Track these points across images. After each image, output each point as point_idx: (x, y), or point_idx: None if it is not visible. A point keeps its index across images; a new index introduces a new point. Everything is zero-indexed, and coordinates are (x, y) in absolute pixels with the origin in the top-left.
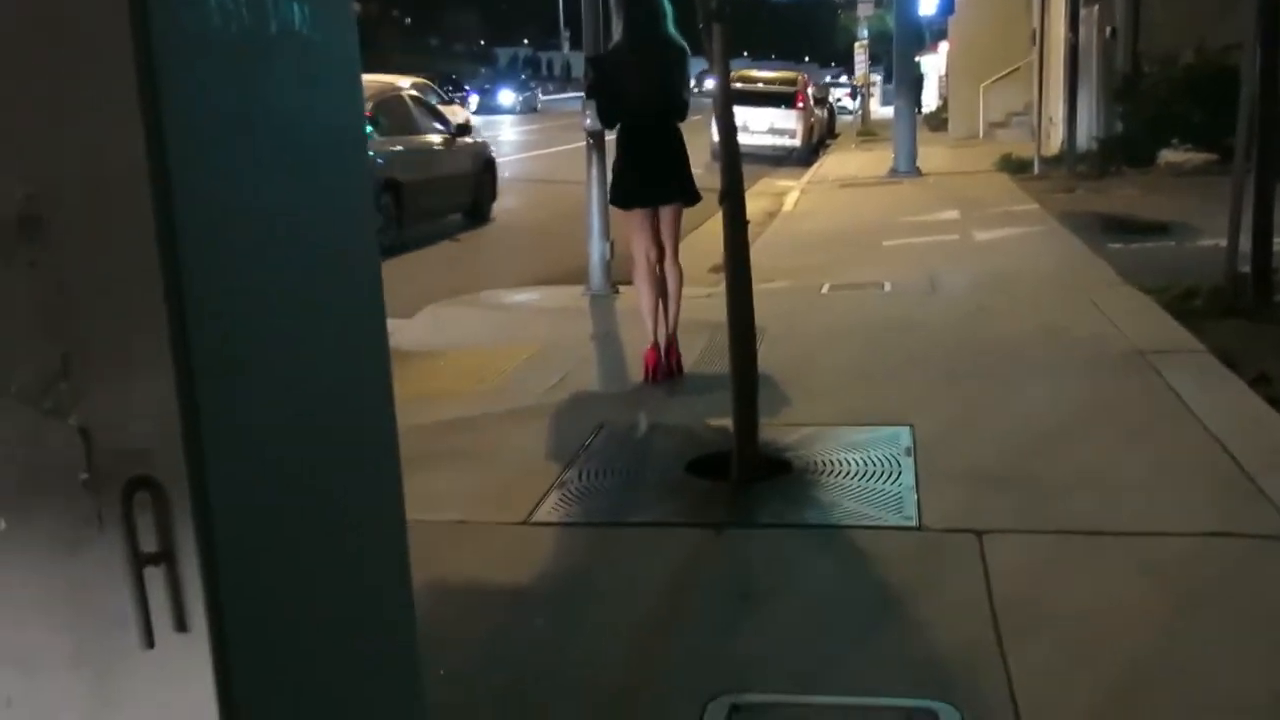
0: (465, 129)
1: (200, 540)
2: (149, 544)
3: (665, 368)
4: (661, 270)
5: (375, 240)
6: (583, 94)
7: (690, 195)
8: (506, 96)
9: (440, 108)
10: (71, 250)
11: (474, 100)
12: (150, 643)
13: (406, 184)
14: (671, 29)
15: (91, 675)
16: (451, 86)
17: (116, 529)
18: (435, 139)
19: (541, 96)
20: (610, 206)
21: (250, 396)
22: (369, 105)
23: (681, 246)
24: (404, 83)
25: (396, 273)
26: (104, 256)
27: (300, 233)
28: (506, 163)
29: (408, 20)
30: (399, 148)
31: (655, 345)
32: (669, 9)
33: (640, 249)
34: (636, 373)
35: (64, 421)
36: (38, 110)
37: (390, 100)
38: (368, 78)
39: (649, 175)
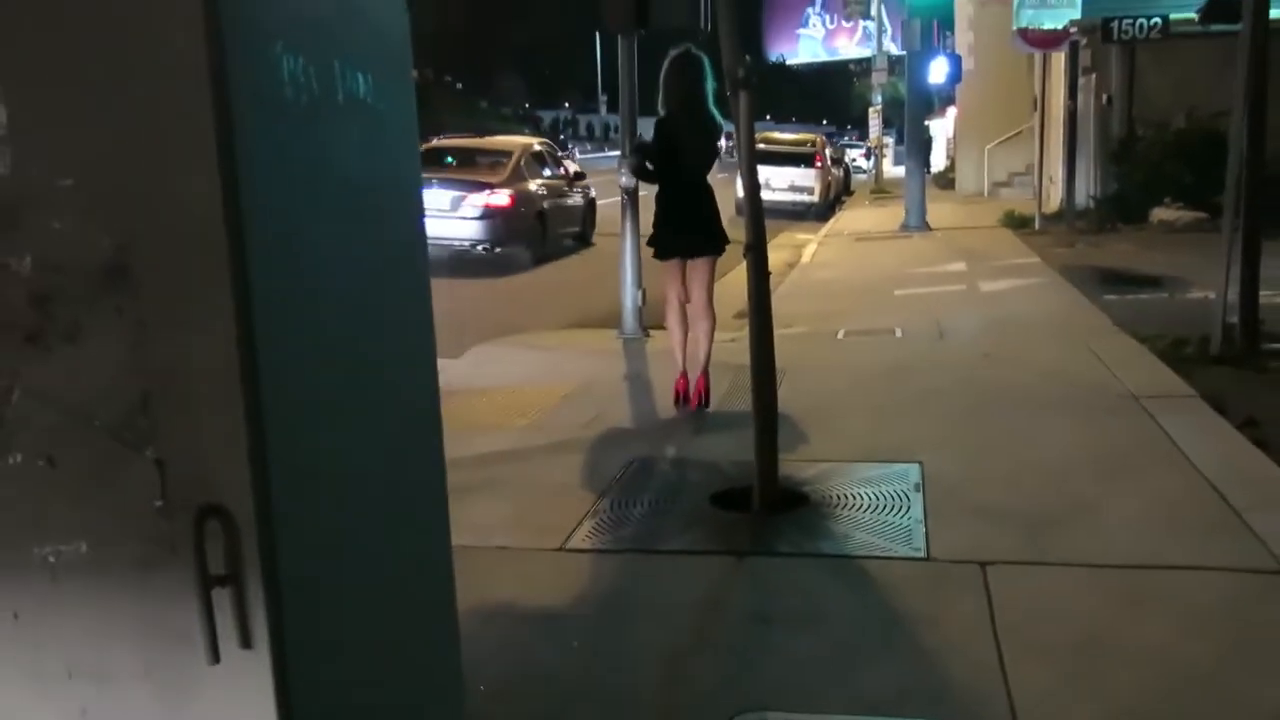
0: (580, 175)
1: (265, 564)
2: (217, 566)
3: (694, 397)
4: (685, 311)
5: (429, 288)
6: (617, 154)
7: (719, 249)
8: None
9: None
10: (153, 296)
11: None
12: (216, 658)
13: (549, 212)
14: (712, 107)
15: (161, 689)
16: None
17: (187, 552)
18: (560, 182)
19: (577, 155)
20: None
21: (312, 432)
22: (521, 157)
23: (709, 322)
24: (536, 143)
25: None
26: (182, 302)
27: (362, 281)
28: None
29: (459, 85)
30: (544, 189)
31: (683, 374)
32: (711, 89)
33: (672, 292)
34: (666, 410)
35: (142, 453)
36: (127, 170)
37: (532, 154)
38: (517, 139)
39: (682, 231)
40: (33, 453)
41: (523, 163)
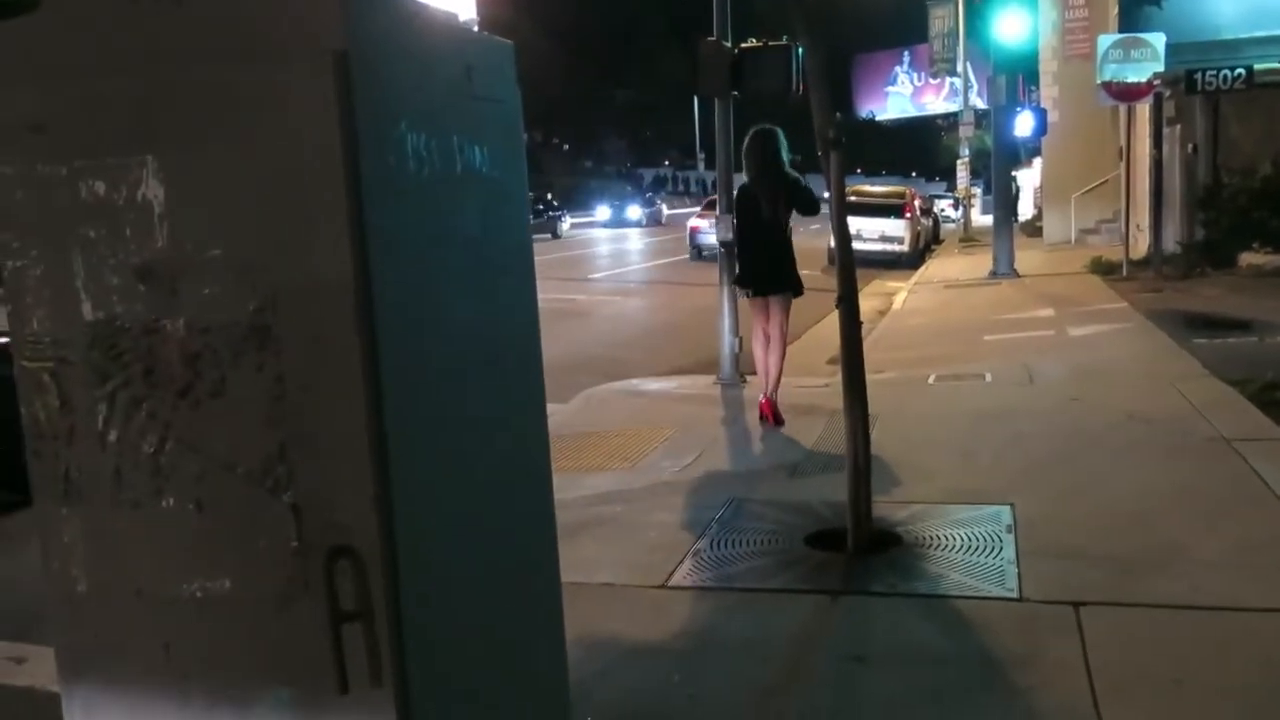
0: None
1: (391, 602)
2: (348, 603)
3: (760, 410)
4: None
5: (539, 340)
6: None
7: (794, 289)
8: (634, 211)
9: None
10: (290, 353)
11: (603, 212)
12: (345, 689)
13: None
14: (786, 166)
15: (295, 718)
16: (543, 205)
17: (320, 590)
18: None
19: (666, 210)
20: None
21: (434, 477)
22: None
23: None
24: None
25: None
26: (316, 359)
27: (479, 336)
28: (632, 271)
29: (565, 147)
30: None
31: (767, 396)
32: (784, 149)
33: (758, 326)
34: (762, 453)
35: (280, 498)
36: (268, 240)
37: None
38: None
39: (761, 273)
40: (183, 498)
41: None
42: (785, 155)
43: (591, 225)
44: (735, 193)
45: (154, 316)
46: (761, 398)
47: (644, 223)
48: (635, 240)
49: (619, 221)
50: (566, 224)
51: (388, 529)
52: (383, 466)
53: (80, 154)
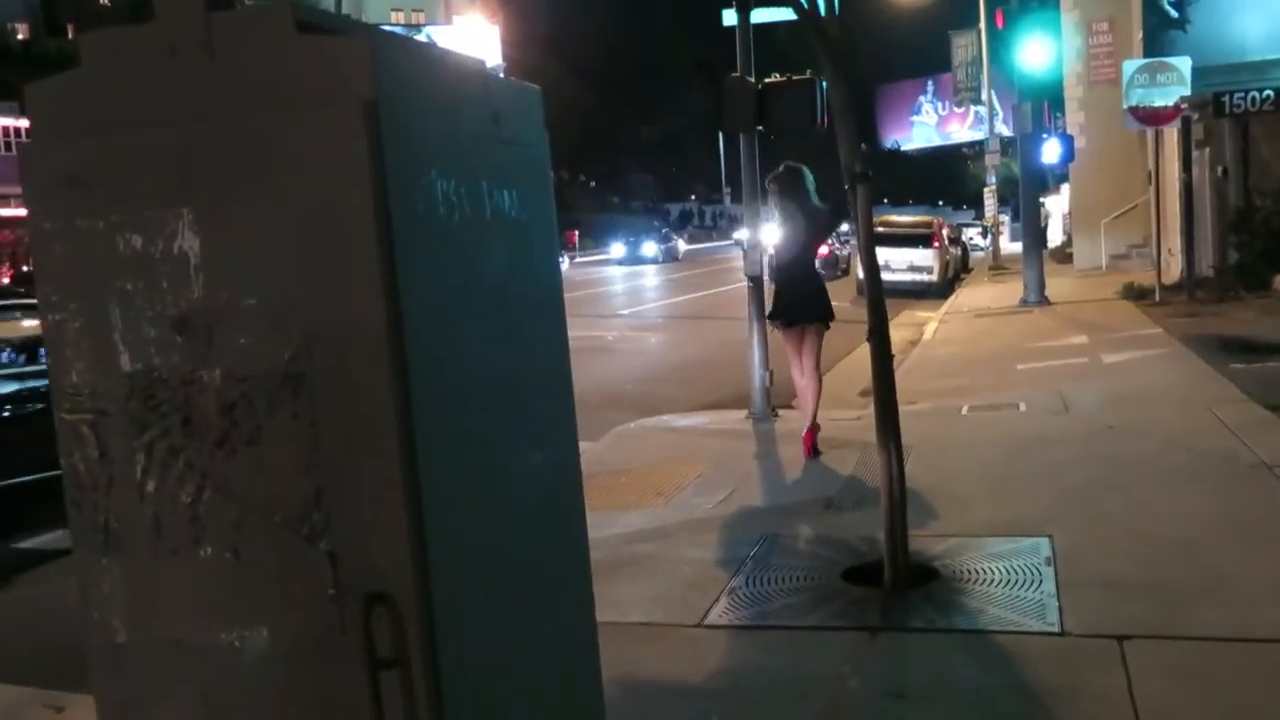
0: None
1: (428, 648)
2: (385, 650)
3: (804, 443)
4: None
5: (570, 379)
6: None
7: (826, 319)
8: (649, 248)
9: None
10: (324, 400)
11: (618, 249)
12: None
13: None
14: (814, 198)
15: None
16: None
17: (357, 636)
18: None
19: (683, 246)
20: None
21: (468, 522)
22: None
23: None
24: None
25: None
26: (351, 405)
27: (511, 377)
28: (655, 308)
29: (592, 184)
30: None
31: (810, 428)
32: (810, 182)
33: (794, 357)
34: (796, 488)
35: (316, 545)
36: (302, 288)
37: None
38: None
39: (793, 304)
40: (220, 546)
41: None
42: (812, 188)
43: (606, 263)
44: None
45: (191, 367)
46: (807, 428)
47: (660, 259)
48: (651, 277)
49: (635, 259)
50: (565, 264)
51: (423, 574)
52: (417, 511)
53: (118, 208)
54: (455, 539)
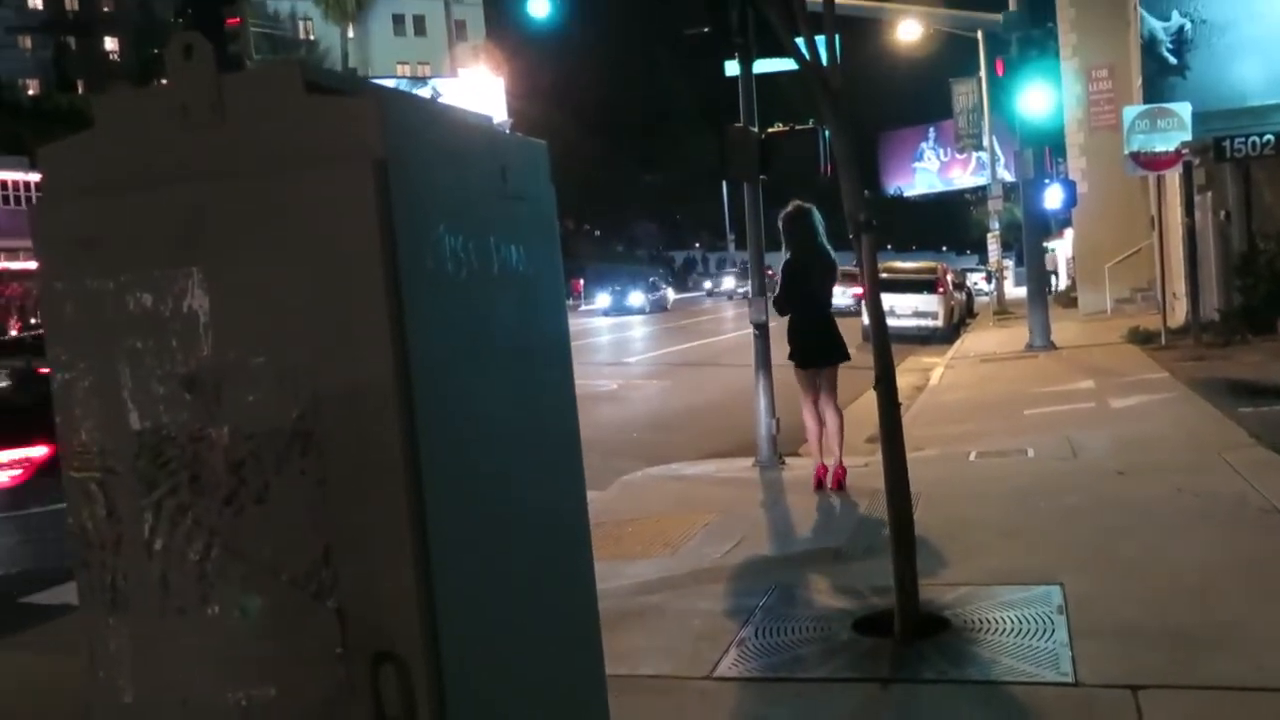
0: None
1: (435, 707)
2: (393, 709)
3: (833, 481)
4: (819, 410)
5: (578, 430)
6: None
7: (842, 358)
8: (636, 298)
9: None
10: (333, 457)
11: (603, 300)
12: None
13: None
14: (824, 242)
15: None
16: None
17: (365, 696)
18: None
19: (672, 295)
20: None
21: (477, 578)
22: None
23: (838, 420)
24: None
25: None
26: (359, 462)
27: (519, 430)
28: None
29: (597, 233)
30: None
31: (821, 464)
32: (821, 227)
33: (806, 398)
34: (805, 537)
35: (324, 604)
36: (310, 345)
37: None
38: None
39: (810, 346)
40: (228, 605)
41: None
42: (821, 228)
43: (591, 314)
44: (781, 269)
45: (199, 425)
46: (818, 465)
47: (647, 309)
48: (636, 328)
49: (620, 308)
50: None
51: (431, 633)
52: (425, 569)
53: (128, 267)
54: (463, 596)
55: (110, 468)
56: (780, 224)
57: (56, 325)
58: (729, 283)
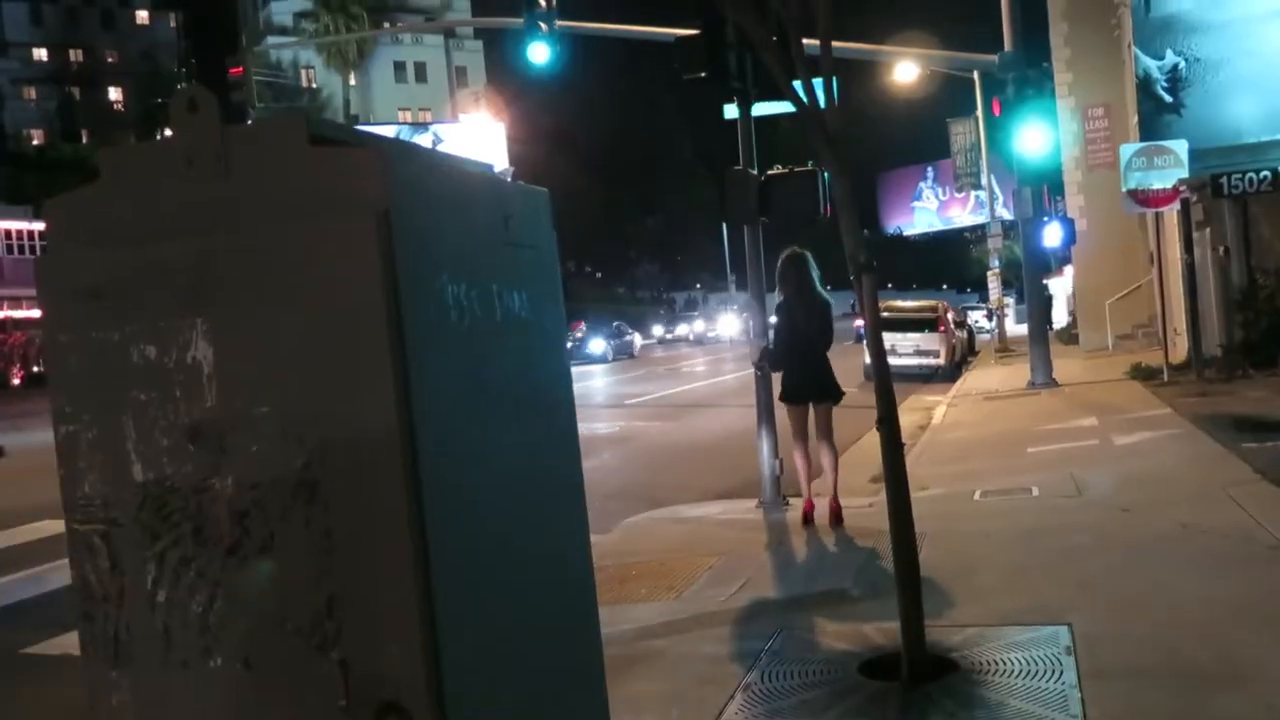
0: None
1: None
2: None
3: (829, 516)
4: (812, 449)
5: (581, 475)
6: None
7: (834, 396)
8: (597, 345)
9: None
10: (337, 506)
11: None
12: None
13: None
14: (817, 287)
15: None
16: None
17: None
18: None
19: (639, 341)
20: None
21: (482, 628)
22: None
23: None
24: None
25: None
26: (363, 512)
27: (522, 476)
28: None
29: (598, 275)
30: None
31: (809, 500)
32: (815, 272)
33: (797, 432)
34: (810, 578)
35: (328, 655)
36: (314, 394)
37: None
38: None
39: (802, 383)
40: (231, 657)
41: None
42: (816, 276)
43: None
44: (775, 310)
45: (203, 475)
46: (807, 501)
47: (609, 357)
48: (599, 379)
49: (580, 356)
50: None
51: (436, 684)
52: (430, 620)
53: (133, 319)
54: (468, 646)
55: (113, 519)
56: (778, 267)
57: (61, 376)
58: (698, 326)
